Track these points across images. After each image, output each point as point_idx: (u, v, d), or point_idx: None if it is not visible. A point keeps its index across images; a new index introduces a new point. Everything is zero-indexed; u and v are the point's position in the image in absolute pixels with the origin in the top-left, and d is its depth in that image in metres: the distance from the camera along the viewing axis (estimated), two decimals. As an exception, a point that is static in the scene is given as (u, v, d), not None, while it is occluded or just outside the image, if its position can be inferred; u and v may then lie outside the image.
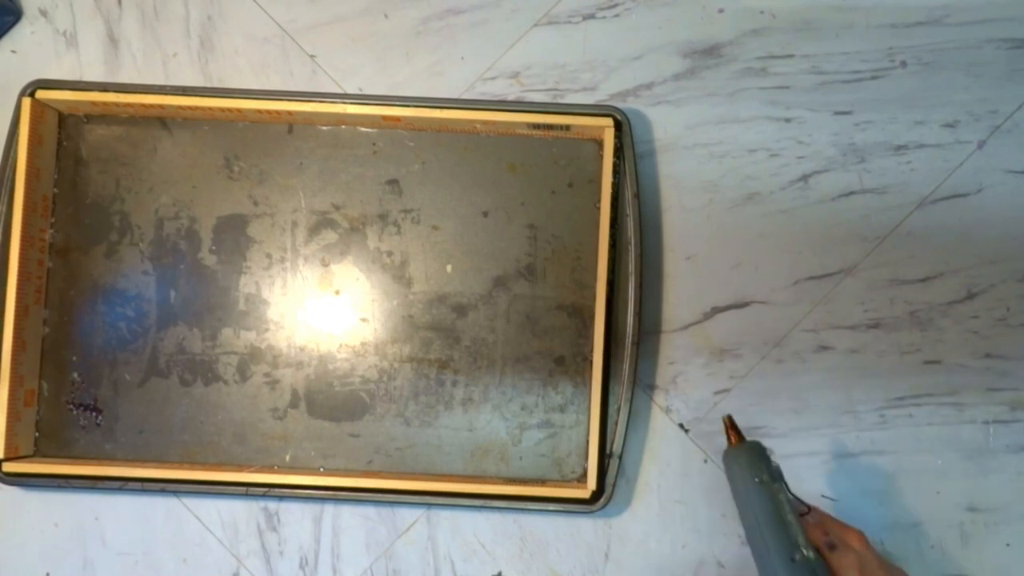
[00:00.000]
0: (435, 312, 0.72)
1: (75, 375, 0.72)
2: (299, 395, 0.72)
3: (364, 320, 0.73)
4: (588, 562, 0.72)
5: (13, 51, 0.75)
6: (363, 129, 0.73)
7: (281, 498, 0.72)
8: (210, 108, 0.71)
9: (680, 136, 0.73)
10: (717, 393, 0.73)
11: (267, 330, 0.73)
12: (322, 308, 0.73)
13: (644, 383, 0.73)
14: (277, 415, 0.72)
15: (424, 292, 0.72)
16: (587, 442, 0.69)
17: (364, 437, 0.72)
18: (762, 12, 0.74)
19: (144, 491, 0.71)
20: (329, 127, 0.73)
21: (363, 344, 0.72)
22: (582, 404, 0.71)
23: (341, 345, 0.72)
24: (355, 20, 0.75)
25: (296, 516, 0.72)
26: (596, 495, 0.68)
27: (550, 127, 0.70)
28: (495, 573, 0.72)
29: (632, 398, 0.69)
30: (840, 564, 0.56)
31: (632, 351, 0.69)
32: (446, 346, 0.72)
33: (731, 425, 0.62)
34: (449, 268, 0.72)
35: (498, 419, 0.71)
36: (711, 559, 0.72)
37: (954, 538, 0.71)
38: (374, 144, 0.73)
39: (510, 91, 0.74)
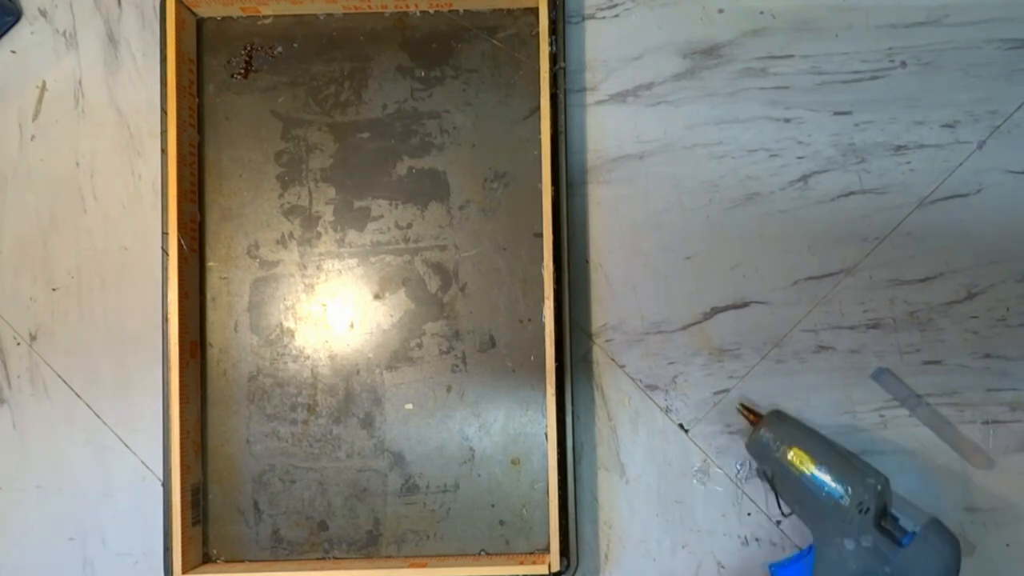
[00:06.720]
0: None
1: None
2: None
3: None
4: (591, 561, 0.72)
5: (13, 51, 0.75)
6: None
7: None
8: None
9: (680, 136, 0.73)
10: (717, 393, 0.73)
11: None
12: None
13: (644, 383, 0.73)
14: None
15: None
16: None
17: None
18: (762, 12, 0.74)
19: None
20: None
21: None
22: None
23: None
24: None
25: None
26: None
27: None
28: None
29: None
30: None
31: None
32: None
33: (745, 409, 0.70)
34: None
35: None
36: (711, 559, 0.72)
37: (954, 538, 0.71)
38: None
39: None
